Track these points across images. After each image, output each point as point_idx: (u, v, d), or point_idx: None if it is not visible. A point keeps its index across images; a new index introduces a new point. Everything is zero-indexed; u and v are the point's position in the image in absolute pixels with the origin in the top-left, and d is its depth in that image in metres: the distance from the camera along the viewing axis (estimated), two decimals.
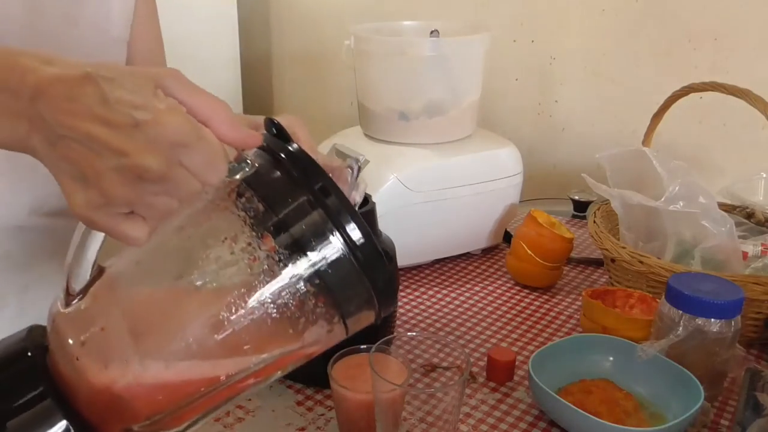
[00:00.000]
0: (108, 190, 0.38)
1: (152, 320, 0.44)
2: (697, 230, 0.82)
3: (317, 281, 0.43)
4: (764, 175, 0.99)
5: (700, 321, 0.67)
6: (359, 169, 0.53)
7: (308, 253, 0.42)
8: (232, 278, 0.43)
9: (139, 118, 0.37)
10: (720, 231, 0.81)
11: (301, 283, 0.43)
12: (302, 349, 0.46)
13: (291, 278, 0.43)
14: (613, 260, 0.86)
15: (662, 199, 0.82)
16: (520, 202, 1.06)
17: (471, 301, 0.92)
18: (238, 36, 1.67)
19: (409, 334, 0.81)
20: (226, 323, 0.43)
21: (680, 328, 0.67)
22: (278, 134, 0.46)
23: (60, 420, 0.41)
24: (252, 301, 0.43)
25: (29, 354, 0.43)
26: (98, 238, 0.42)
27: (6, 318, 0.74)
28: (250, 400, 0.71)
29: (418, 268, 1.01)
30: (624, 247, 0.84)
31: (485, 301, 0.93)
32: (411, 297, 0.93)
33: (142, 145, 0.37)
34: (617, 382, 0.69)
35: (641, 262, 0.81)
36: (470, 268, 1.02)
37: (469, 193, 0.98)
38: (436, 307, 0.91)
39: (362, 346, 0.63)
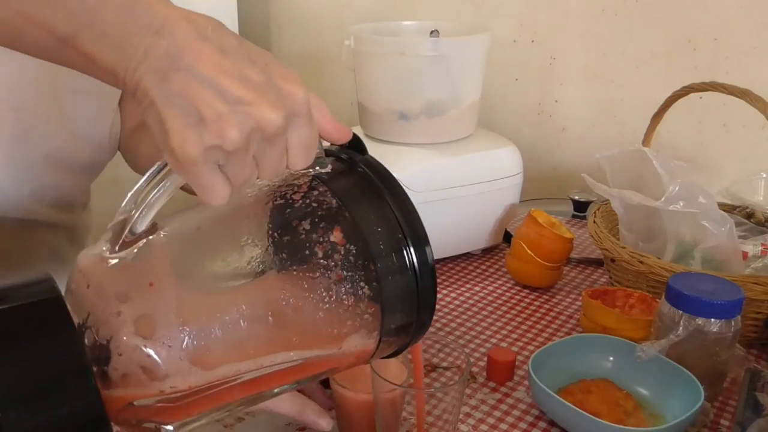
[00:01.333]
0: (226, 133, 0.36)
1: (203, 295, 0.42)
2: (697, 230, 0.82)
3: (376, 286, 0.42)
4: (764, 175, 0.99)
5: (700, 321, 0.67)
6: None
7: (375, 256, 0.42)
8: (295, 263, 0.42)
9: (273, 79, 0.37)
10: (720, 231, 0.81)
11: (362, 283, 0.42)
12: (333, 358, 0.45)
13: (353, 275, 0.42)
14: (613, 260, 0.86)
15: (662, 199, 0.82)
16: (520, 202, 1.06)
17: (471, 301, 0.92)
18: None
19: None
20: (284, 305, 0.42)
21: (680, 328, 0.67)
22: (352, 142, 0.46)
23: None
24: (312, 289, 0.42)
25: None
26: (175, 184, 0.40)
27: None
28: None
29: None
30: (624, 247, 0.84)
31: (485, 301, 0.93)
32: None
33: (269, 99, 0.37)
34: (617, 382, 0.69)
35: (641, 262, 0.81)
36: (470, 268, 1.02)
37: (469, 193, 0.98)
38: (437, 307, 0.91)
39: None
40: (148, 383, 0.39)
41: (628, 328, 0.75)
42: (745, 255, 0.86)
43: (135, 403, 0.39)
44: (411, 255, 0.43)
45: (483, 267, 1.03)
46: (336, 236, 0.42)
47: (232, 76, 0.36)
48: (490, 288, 0.96)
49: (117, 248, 0.40)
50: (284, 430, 0.67)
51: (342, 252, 0.42)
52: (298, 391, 0.59)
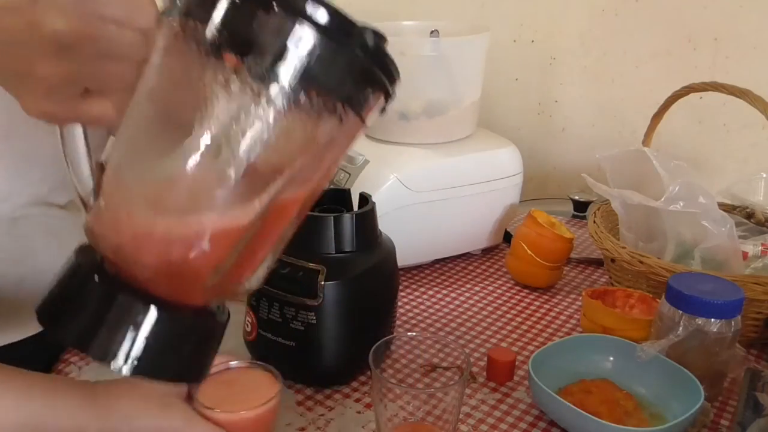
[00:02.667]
0: (44, 74, 0.37)
1: (167, 184, 0.41)
2: (697, 230, 0.82)
3: (300, 76, 0.38)
4: (764, 175, 0.99)
5: (700, 321, 0.67)
6: None
7: (276, 52, 0.37)
8: (222, 113, 0.39)
9: None
10: (720, 231, 0.81)
11: (285, 84, 0.38)
12: (324, 151, 0.43)
13: (273, 85, 0.38)
14: (613, 260, 0.86)
15: (662, 199, 0.82)
16: (520, 202, 1.06)
17: (471, 301, 0.92)
18: None
19: (409, 334, 0.81)
20: (236, 153, 0.39)
21: (680, 328, 0.67)
22: None
23: (147, 305, 0.41)
24: (249, 126, 0.39)
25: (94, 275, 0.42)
26: (76, 133, 0.41)
27: (2, 312, 0.74)
28: None
29: (418, 268, 1.01)
30: (624, 247, 0.84)
31: (485, 301, 0.93)
32: (411, 297, 0.93)
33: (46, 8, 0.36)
34: (617, 382, 0.69)
35: (641, 262, 0.81)
36: (470, 268, 1.02)
37: (469, 193, 0.98)
38: (436, 307, 0.91)
39: (232, 363, 0.59)
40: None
41: (628, 328, 0.75)
42: (745, 255, 0.86)
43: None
44: (302, 24, 0.38)
45: (483, 267, 1.03)
46: (229, 62, 0.38)
47: None
48: (490, 288, 0.96)
49: (88, 210, 0.44)
50: (284, 430, 0.67)
51: (248, 73, 0.38)
52: None
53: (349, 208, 0.77)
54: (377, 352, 0.61)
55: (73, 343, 0.42)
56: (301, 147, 0.42)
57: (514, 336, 0.84)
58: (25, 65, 0.37)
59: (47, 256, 0.77)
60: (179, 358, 0.44)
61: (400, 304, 0.91)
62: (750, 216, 0.97)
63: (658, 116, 0.97)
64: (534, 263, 0.93)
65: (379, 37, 0.43)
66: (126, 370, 0.40)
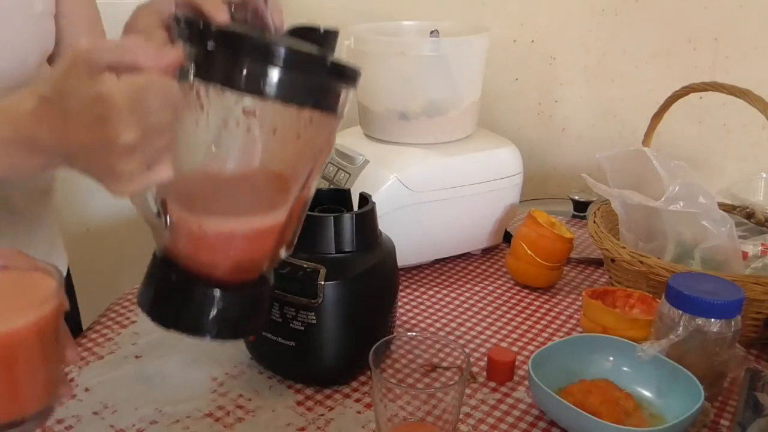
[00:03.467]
0: (117, 164, 0.45)
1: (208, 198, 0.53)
2: (697, 230, 0.82)
3: (275, 95, 0.48)
4: (764, 175, 0.99)
5: (700, 321, 0.67)
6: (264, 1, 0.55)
7: (266, 84, 0.47)
8: (247, 143, 0.50)
9: (97, 111, 0.44)
10: (720, 231, 0.81)
11: (241, 106, 0.48)
12: (312, 147, 0.53)
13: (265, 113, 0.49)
14: (613, 260, 0.86)
15: (662, 199, 0.82)
16: (520, 202, 1.06)
17: (471, 301, 0.92)
18: None
19: (409, 334, 0.81)
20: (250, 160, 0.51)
21: (680, 328, 0.67)
22: (189, 24, 0.49)
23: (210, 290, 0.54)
24: (250, 142, 0.49)
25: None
26: (149, 198, 0.51)
27: None
28: (250, 399, 0.71)
29: (418, 268, 1.01)
30: (624, 247, 0.84)
31: (485, 301, 0.93)
32: (411, 297, 0.93)
33: (114, 125, 0.44)
34: (617, 382, 0.69)
35: (641, 262, 0.81)
36: (470, 268, 1.02)
37: (469, 193, 0.98)
38: (436, 307, 0.91)
39: None
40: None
41: (628, 328, 0.75)
42: (745, 255, 0.86)
43: None
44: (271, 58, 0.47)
45: (483, 267, 1.03)
46: (246, 107, 0.49)
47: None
48: (490, 288, 0.96)
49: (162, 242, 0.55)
50: (284, 430, 0.67)
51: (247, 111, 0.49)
52: None
53: (349, 208, 0.77)
54: (377, 352, 0.61)
55: (170, 325, 0.54)
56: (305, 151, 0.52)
57: (514, 336, 0.84)
58: (108, 164, 0.46)
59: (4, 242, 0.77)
60: (247, 320, 0.57)
61: (400, 304, 0.91)
62: (750, 216, 0.97)
63: (658, 116, 0.97)
64: (534, 263, 0.93)
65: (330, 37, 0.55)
66: (210, 337, 0.54)
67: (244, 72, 0.47)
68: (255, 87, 0.47)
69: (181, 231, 0.53)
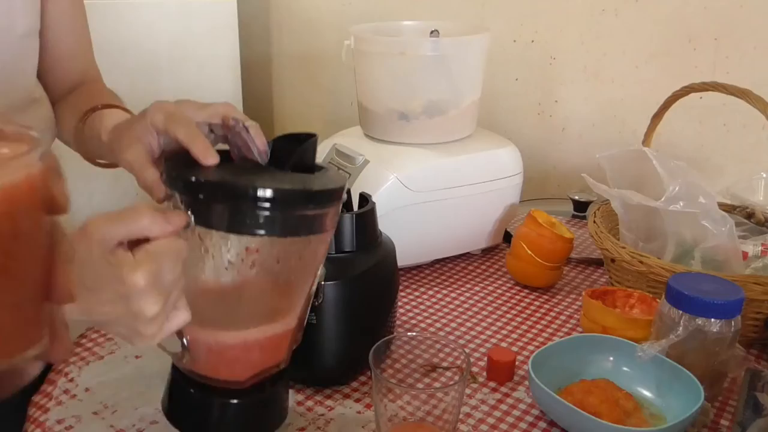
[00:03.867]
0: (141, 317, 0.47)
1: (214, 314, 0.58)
2: (697, 230, 0.82)
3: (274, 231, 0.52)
4: (764, 175, 0.99)
5: (700, 321, 0.67)
6: (245, 128, 0.57)
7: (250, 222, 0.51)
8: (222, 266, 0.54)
9: (120, 292, 0.45)
10: (720, 231, 0.81)
11: (246, 247, 0.53)
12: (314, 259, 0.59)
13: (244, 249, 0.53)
14: (613, 260, 0.86)
15: (662, 199, 0.82)
16: (520, 202, 1.06)
17: (471, 301, 0.92)
18: (238, 36, 1.67)
19: (409, 334, 0.81)
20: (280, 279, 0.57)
21: (680, 328, 0.67)
22: (179, 172, 0.53)
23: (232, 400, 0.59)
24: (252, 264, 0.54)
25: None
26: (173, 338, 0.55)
27: None
28: None
29: (418, 268, 1.01)
30: (624, 247, 0.84)
31: (485, 301, 0.93)
32: (411, 297, 0.93)
33: (137, 302, 0.46)
34: (617, 382, 0.69)
35: (641, 262, 0.81)
36: (470, 268, 1.02)
37: (469, 193, 0.98)
38: (436, 307, 0.91)
39: None
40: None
41: (628, 328, 0.75)
42: (745, 255, 0.86)
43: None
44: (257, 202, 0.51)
45: (483, 267, 1.03)
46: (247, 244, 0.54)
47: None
48: (490, 288, 0.96)
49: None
50: (284, 430, 0.67)
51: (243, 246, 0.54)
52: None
53: (349, 208, 0.77)
54: (377, 352, 0.61)
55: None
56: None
57: (514, 336, 0.84)
58: (132, 328, 0.48)
59: None
60: (266, 418, 0.63)
61: (400, 304, 0.91)
62: (750, 216, 0.97)
63: (658, 116, 0.97)
64: (534, 263, 0.93)
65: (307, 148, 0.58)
66: None
67: (240, 217, 0.51)
68: (252, 228, 0.51)
69: (200, 349, 0.57)
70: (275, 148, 0.58)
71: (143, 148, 0.59)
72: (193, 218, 0.50)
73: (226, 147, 0.59)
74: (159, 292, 0.46)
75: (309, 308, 0.62)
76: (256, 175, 0.54)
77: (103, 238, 0.45)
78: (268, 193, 0.50)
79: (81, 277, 0.45)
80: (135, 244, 0.47)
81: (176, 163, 0.55)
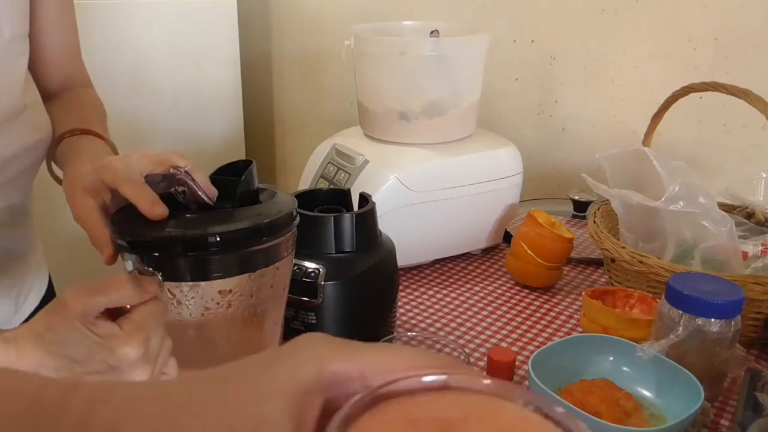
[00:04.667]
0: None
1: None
2: (697, 230, 0.82)
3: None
4: (764, 175, 0.99)
5: (700, 321, 0.67)
6: (186, 173, 0.58)
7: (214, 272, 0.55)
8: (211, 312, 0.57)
9: (110, 363, 0.47)
10: (720, 231, 0.81)
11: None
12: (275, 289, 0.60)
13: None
14: (613, 260, 0.86)
15: (662, 199, 0.82)
16: (520, 202, 1.06)
17: (471, 301, 0.92)
18: (238, 36, 1.67)
19: (409, 334, 0.81)
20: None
21: (680, 328, 0.67)
22: (131, 228, 0.54)
23: None
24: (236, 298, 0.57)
25: None
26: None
27: None
28: None
29: (418, 268, 1.01)
30: (624, 247, 0.84)
31: (485, 301, 0.93)
32: (411, 297, 0.93)
33: (128, 371, 0.48)
34: (617, 382, 0.69)
35: (641, 262, 0.81)
36: (470, 268, 1.02)
37: (469, 193, 0.98)
38: (436, 307, 0.91)
39: None
40: None
41: (628, 328, 0.75)
42: (745, 255, 0.86)
43: None
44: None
45: (483, 267, 1.03)
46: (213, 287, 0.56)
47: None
48: (490, 288, 0.96)
49: None
50: None
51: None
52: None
53: (349, 208, 0.77)
54: None
55: None
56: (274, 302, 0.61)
57: (514, 336, 0.84)
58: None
59: None
60: None
61: (400, 304, 0.91)
62: (750, 216, 0.97)
63: (658, 116, 0.97)
64: (534, 263, 0.93)
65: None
66: None
67: (204, 264, 0.53)
68: (218, 273, 0.54)
69: None
70: (217, 183, 0.59)
71: (94, 199, 0.59)
72: (160, 276, 0.52)
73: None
74: (148, 360, 0.49)
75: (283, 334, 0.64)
76: (207, 220, 0.55)
77: (84, 311, 0.46)
78: (219, 237, 0.52)
79: (67, 353, 0.46)
80: (113, 312, 0.48)
81: (127, 219, 0.56)
